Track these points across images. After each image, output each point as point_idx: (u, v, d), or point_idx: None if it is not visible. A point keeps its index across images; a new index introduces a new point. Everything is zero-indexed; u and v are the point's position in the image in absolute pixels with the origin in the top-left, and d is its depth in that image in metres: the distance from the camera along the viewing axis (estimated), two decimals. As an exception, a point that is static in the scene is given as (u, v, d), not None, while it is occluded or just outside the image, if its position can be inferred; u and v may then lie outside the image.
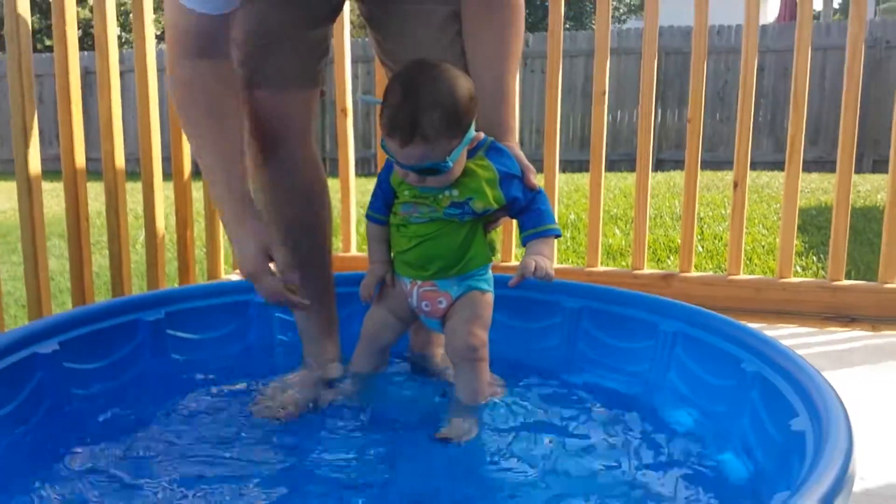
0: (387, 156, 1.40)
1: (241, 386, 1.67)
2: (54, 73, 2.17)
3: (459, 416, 1.45)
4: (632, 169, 3.92)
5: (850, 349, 2.20)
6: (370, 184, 1.51)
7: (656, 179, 6.46)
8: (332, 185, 1.89)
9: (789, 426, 1.21)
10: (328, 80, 1.86)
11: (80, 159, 2.19)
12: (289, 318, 1.77)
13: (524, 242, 1.46)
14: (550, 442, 1.42)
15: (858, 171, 7.47)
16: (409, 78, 1.34)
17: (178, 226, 2.56)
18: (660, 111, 9.70)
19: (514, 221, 1.50)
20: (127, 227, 2.37)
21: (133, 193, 2.48)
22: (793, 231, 2.48)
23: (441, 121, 1.31)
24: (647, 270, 2.65)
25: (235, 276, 2.69)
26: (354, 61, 3.23)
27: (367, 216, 1.53)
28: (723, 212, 5.07)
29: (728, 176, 6.48)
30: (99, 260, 3.82)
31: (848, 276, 2.52)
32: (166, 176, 2.44)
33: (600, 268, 2.69)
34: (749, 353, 1.46)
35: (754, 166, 3.78)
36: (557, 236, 1.49)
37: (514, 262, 2.70)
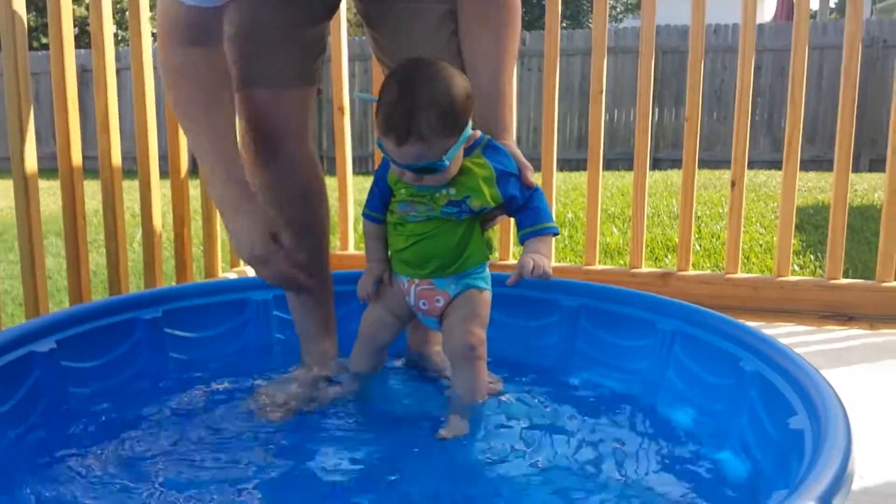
0: (383, 154, 1.40)
1: (238, 385, 1.67)
2: (50, 70, 2.16)
3: (458, 414, 1.45)
4: (629, 168, 3.93)
5: (848, 348, 2.20)
6: (367, 182, 1.51)
7: (654, 178, 6.47)
8: (330, 183, 1.89)
9: (788, 424, 1.21)
10: (325, 78, 1.86)
11: (77, 157, 2.18)
12: (286, 316, 1.77)
13: (522, 241, 1.46)
14: (549, 440, 1.42)
15: (855, 169, 7.47)
16: (405, 76, 1.33)
17: (175, 224, 2.55)
18: (657, 110, 9.71)
19: (512, 220, 1.49)
20: (124, 225, 2.36)
21: (130, 191, 2.48)
22: (790, 230, 2.49)
23: (437, 120, 1.31)
24: (644, 269, 2.65)
25: (233, 275, 2.68)
26: (351, 59, 3.23)
27: (364, 214, 1.52)
28: (720, 210, 5.08)
29: (725, 175, 6.50)
30: (96, 258, 3.82)
31: (845, 275, 2.52)
32: (163, 174, 2.43)
33: (598, 266, 2.69)
34: (747, 351, 1.46)
35: (751, 165, 3.78)
36: (555, 234, 1.49)
37: (512, 261, 2.70)
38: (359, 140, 9.65)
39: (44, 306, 2.11)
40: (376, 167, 1.51)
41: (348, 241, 2.96)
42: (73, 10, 2.20)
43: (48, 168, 2.69)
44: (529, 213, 1.46)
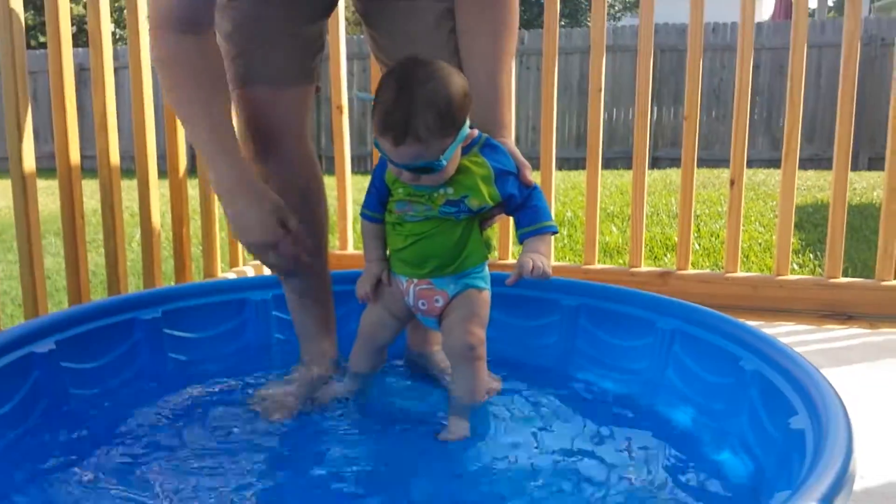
0: (380, 153, 1.39)
1: (238, 385, 1.66)
2: (48, 69, 2.15)
3: (458, 415, 1.45)
4: (628, 166, 3.92)
5: (848, 347, 2.20)
6: (366, 181, 1.50)
7: (652, 177, 6.47)
8: (328, 182, 1.88)
9: (788, 424, 1.21)
10: (323, 77, 1.86)
11: (75, 156, 2.18)
12: (286, 316, 1.76)
13: (521, 240, 1.46)
14: (549, 441, 1.42)
15: (854, 168, 7.47)
16: (402, 76, 1.32)
17: (173, 223, 2.55)
18: (655, 109, 9.71)
19: (511, 218, 1.49)
20: (122, 224, 2.36)
21: (128, 191, 2.47)
22: (789, 228, 2.48)
23: (434, 121, 1.29)
24: (644, 268, 2.65)
25: (232, 275, 2.68)
26: (350, 58, 3.22)
27: (362, 214, 1.51)
28: (719, 209, 5.08)
29: (724, 173, 6.50)
30: (95, 258, 3.81)
31: (845, 274, 2.52)
32: (161, 173, 2.42)
33: (597, 265, 2.69)
34: (747, 350, 1.45)
35: (750, 164, 3.78)
36: (554, 233, 1.48)
37: (511, 260, 2.70)
38: (358, 139, 9.64)
39: (43, 306, 2.11)
40: (375, 166, 1.50)
41: (347, 240, 2.96)
42: (71, 8, 2.20)
43: (46, 167, 2.68)
44: (528, 212, 1.45)
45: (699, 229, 4.56)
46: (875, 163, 8.57)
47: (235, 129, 1.52)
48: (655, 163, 9.24)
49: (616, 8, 19.31)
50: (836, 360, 2.05)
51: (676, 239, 2.66)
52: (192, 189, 2.60)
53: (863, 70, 6.91)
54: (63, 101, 2.15)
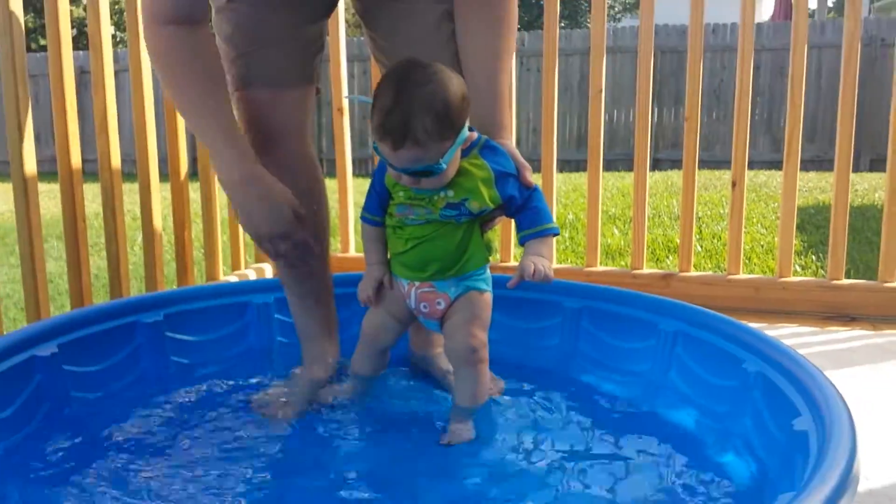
0: (379, 157, 1.38)
1: (240, 388, 1.66)
2: (49, 72, 2.15)
3: (460, 419, 1.45)
4: (629, 168, 3.93)
5: (851, 348, 2.19)
6: (367, 184, 1.50)
7: (654, 179, 6.47)
8: (329, 185, 1.88)
9: (792, 426, 1.21)
10: (324, 79, 1.86)
11: (76, 160, 2.18)
12: (288, 319, 1.76)
13: (522, 242, 1.45)
14: (551, 443, 1.41)
15: (856, 169, 7.47)
16: (400, 79, 1.31)
17: (175, 227, 2.54)
18: (656, 110, 9.71)
19: (512, 220, 1.49)
20: (124, 228, 2.36)
21: (130, 194, 2.47)
22: (791, 230, 2.48)
23: (433, 125, 1.28)
24: (646, 270, 2.65)
25: (234, 278, 2.68)
26: (350, 60, 3.22)
27: (363, 217, 1.51)
28: (721, 211, 5.07)
29: (725, 175, 6.49)
30: (97, 261, 3.81)
31: (847, 275, 2.52)
32: (163, 176, 2.42)
33: (599, 268, 2.69)
34: (750, 352, 1.45)
35: (751, 165, 3.78)
36: (555, 235, 1.47)
37: (513, 262, 2.70)
38: (359, 141, 9.63)
39: (45, 310, 2.11)
40: (374, 169, 1.50)
41: (349, 243, 2.96)
42: (71, 11, 2.20)
43: (48, 171, 2.68)
44: (529, 214, 1.45)
45: (701, 231, 4.56)
46: (876, 164, 8.57)
47: None
48: (656, 164, 9.24)
49: (616, 9, 19.32)
50: (838, 361, 2.05)
51: (678, 241, 2.65)
52: (194, 192, 2.60)
53: (863, 71, 6.92)
54: (64, 104, 2.15)
